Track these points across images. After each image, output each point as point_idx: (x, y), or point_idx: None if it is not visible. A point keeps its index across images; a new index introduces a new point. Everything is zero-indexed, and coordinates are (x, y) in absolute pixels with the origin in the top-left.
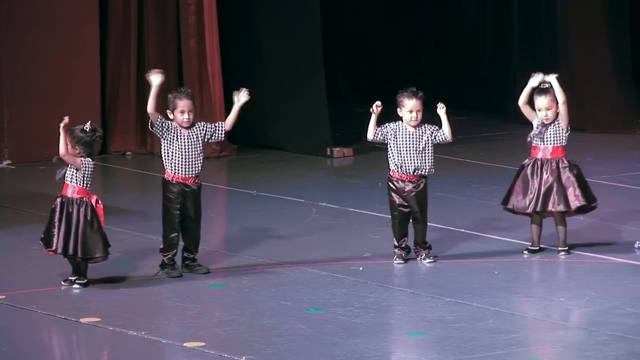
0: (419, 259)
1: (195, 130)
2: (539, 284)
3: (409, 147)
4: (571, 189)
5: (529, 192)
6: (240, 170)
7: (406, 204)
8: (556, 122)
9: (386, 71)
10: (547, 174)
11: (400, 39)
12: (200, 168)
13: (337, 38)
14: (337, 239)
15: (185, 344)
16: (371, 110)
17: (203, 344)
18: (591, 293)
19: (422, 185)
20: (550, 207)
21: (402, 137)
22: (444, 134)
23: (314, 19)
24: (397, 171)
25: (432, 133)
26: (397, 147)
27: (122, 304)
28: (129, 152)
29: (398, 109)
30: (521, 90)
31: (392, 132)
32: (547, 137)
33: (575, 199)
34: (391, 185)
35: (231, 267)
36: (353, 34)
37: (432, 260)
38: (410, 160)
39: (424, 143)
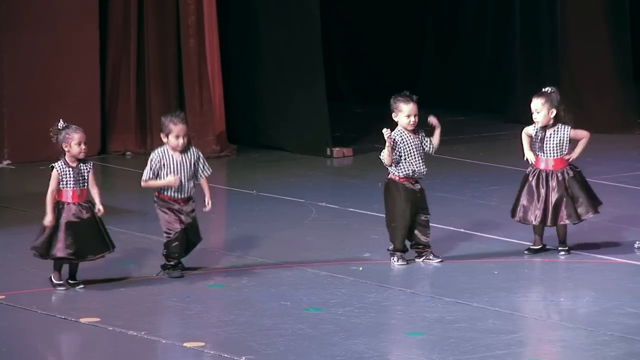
0: (423, 259)
1: (189, 155)
2: (539, 284)
3: (417, 150)
4: (581, 199)
5: (536, 205)
6: (240, 170)
7: (415, 206)
8: (559, 133)
9: (386, 71)
10: (554, 186)
11: (400, 38)
12: (192, 191)
13: (337, 38)
14: (337, 239)
15: (185, 344)
16: (387, 140)
17: (203, 344)
18: (591, 293)
19: (423, 185)
20: (561, 222)
21: (409, 143)
22: (432, 144)
23: (313, 18)
24: (408, 176)
25: (423, 139)
26: (409, 152)
27: (122, 304)
28: (128, 152)
29: (393, 114)
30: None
31: (399, 141)
32: (549, 149)
33: (586, 212)
34: (402, 189)
35: (231, 267)
36: (353, 34)
37: (441, 259)
38: (423, 162)
39: (424, 146)
